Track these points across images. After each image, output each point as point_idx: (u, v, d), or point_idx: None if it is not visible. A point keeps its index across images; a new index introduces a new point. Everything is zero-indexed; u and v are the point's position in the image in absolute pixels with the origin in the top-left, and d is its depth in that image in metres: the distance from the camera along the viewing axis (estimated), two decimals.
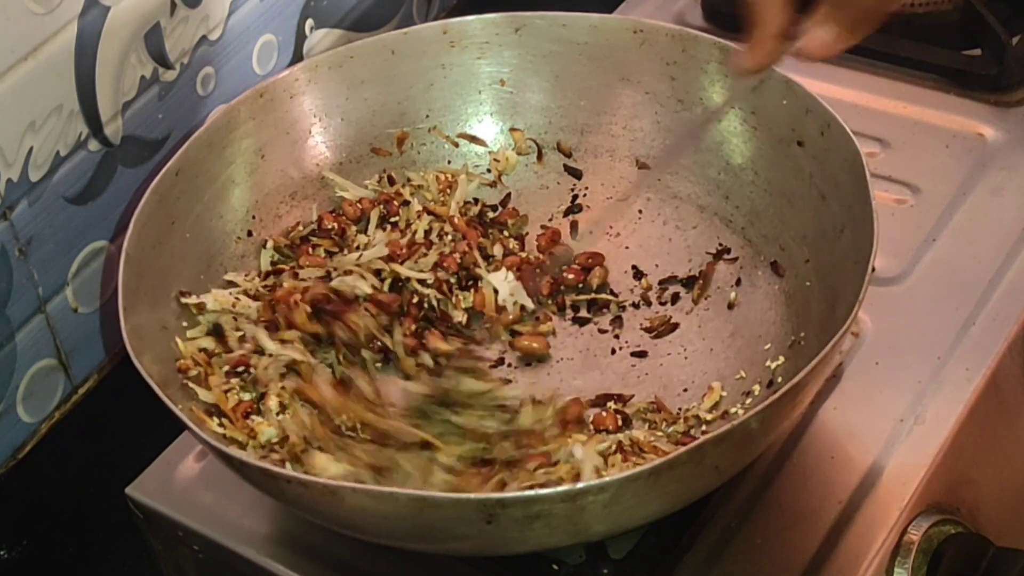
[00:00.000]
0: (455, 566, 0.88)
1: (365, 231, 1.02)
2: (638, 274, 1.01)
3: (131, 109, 0.99)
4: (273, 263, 1.00)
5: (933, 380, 0.94)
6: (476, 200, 1.05)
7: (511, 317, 0.98)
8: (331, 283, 0.96)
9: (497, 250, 1.02)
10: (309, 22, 1.13)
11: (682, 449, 0.75)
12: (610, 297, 1.00)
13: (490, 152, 1.07)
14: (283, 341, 0.93)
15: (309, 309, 0.93)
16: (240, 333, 0.93)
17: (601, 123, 1.05)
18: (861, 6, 0.84)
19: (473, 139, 1.07)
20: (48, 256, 0.96)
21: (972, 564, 0.88)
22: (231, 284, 0.97)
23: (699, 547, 0.87)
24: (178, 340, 0.91)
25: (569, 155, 1.06)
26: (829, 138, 0.92)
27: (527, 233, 1.05)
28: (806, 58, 0.86)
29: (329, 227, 1.02)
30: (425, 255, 1.00)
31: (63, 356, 1.00)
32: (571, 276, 1.01)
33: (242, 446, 0.87)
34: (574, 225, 1.05)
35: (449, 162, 1.07)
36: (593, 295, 1.00)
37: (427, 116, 1.06)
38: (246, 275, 0.98)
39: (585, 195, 1.06)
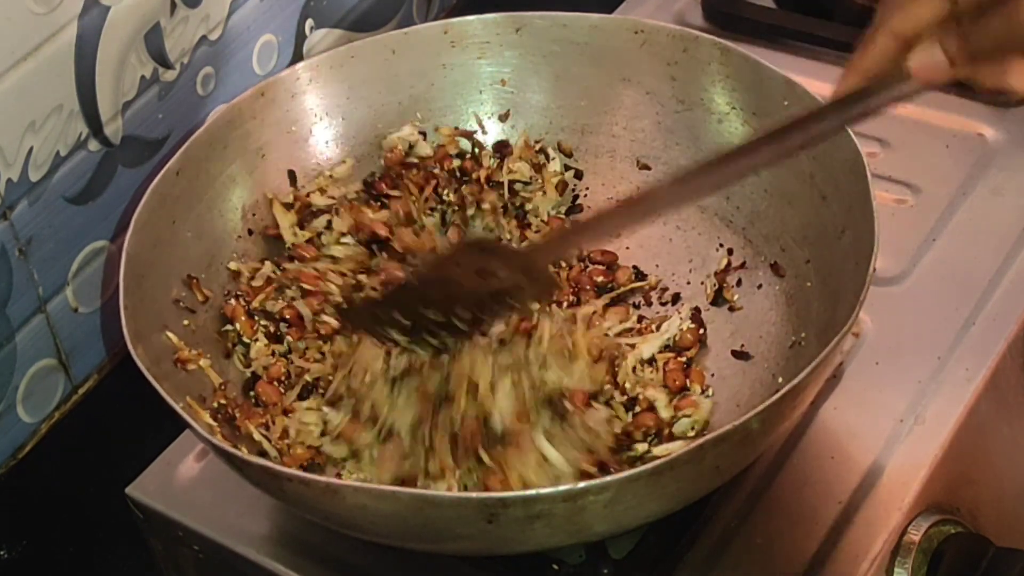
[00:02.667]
0: (455, 566, 0.88)
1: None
2: (639, 274, 1.01)
3: (131, 109, 0.99)
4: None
5: (933, 380, 0.94)
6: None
7: None
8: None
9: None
10: (309, 22, 1.13)
11: (683, 449, 0.75)
12: (637, 284, 1.00)
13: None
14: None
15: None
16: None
17: (602, 123, 1.05)
18: (986, 35, 0.68)
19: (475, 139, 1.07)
20: (48, 256, 0.96)
21: (972, 564, 0.88)
22: (235, 276, 0.98)
23: (699, 547, 0.87)
24: (169, 334, 0.91)
25: (570, 155, 1.06)
26: (830, 139, 0.92)
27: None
28: (917, 81, 0.73)
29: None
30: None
31: (63, 356, 1.00)
32: (600, 278, 1.00)
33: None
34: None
35: None
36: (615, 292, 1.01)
37: (428, 116, 1.06)
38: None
39: (586, 195, 1.06)
